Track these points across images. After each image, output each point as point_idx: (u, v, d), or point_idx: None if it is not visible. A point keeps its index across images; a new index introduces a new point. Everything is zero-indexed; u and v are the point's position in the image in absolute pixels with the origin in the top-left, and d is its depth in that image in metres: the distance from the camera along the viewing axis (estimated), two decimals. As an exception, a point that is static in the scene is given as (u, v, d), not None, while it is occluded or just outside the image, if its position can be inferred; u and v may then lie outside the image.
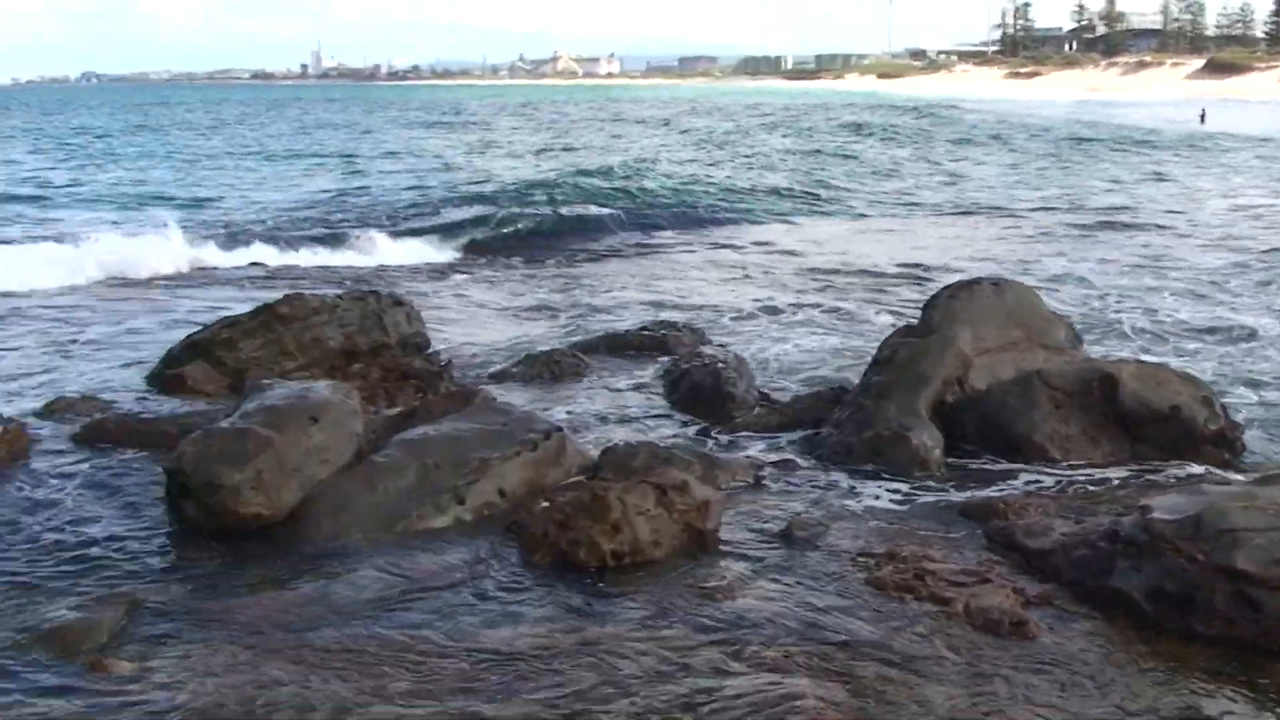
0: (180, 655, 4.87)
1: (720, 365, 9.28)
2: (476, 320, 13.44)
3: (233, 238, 19.42)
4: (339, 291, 10.92)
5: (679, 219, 23.65)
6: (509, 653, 4.90)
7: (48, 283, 15.33)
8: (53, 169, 37.87)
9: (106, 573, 5.84)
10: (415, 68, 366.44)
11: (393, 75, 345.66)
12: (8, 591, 5.58)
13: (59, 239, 18.87)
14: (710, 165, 34.90)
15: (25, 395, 9.47)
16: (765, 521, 6.49)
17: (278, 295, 10.26)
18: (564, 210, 23.24)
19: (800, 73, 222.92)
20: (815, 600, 5.44)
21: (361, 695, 4.50)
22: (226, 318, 10.00)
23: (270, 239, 19.37)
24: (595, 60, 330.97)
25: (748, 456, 7.71)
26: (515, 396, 8.89)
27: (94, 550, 6.14)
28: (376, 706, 4.42)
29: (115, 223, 22.32)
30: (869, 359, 8.56)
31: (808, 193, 28.93)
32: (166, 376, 9.52)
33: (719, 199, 26.47)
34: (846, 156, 40.29)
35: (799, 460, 7.67)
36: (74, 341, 11.95)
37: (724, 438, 8.25)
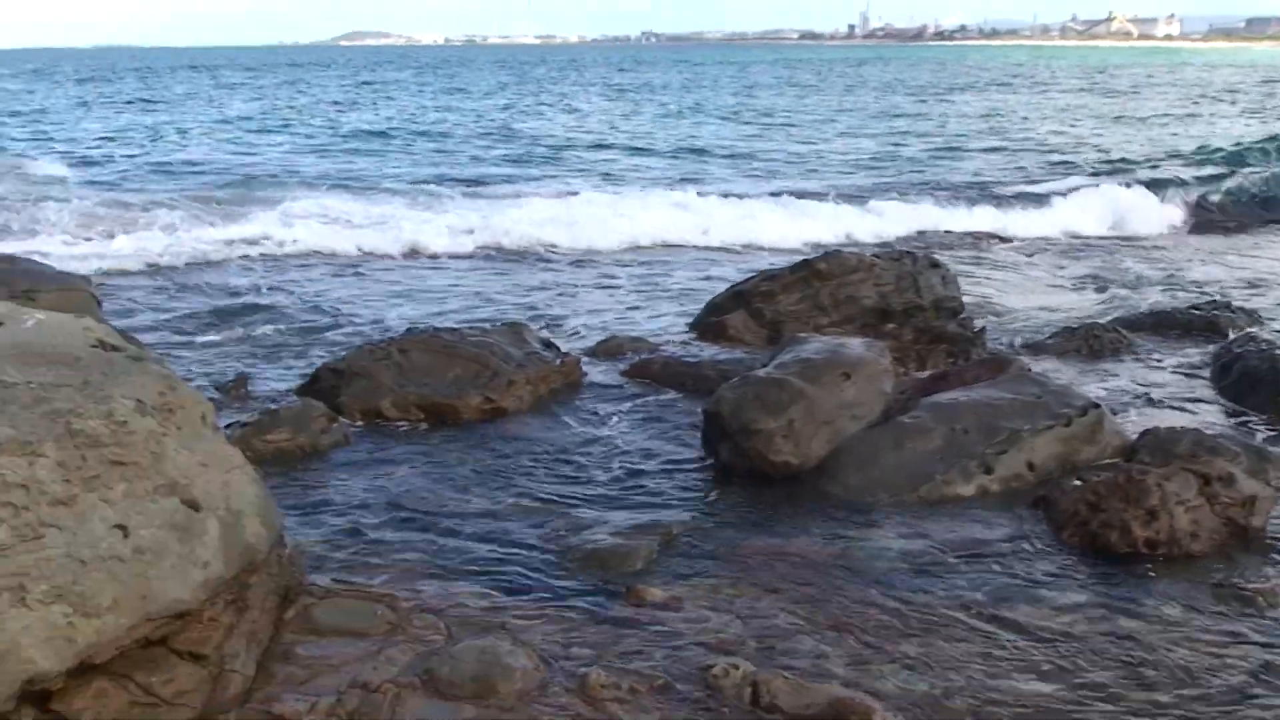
0: (708, 590, 5.10)
1: (1279, 351, 8.56)
2: (1019, 287, 13.08)
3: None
4: (877, 251, 10.96)
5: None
6: (1029, 630, 4.79)
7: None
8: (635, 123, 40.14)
9: (644, 503, 6.20)
10: (963, 27, 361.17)
11: (939, 35, 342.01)
12: (558, 511, 6.06)
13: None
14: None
15: (590, 333, 10.25)
16: (1320, 526, 5.96)
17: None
18: (1141, 182, 21.79)
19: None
20: (1379, 617, 4.95)
21: (875, 656, 4.54)
22: (767, 271, 10.33)
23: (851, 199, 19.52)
24: (1153, 21, 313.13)
25: (1304, 452, 7.09)
26: (1049, 369, 8.61)
27: (633, 481, 6.56)
28: (889, 667, 4.45)
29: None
30: None
31: None
32: (708, 323, 9.97)
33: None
34: None
35: (1364, 462, 6.96)
36: (654, 287, 12.93)
37: (1276, 430, 7.63)
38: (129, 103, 47.70)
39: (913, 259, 10.14)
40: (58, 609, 3.54)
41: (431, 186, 20.87)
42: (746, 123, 40.29)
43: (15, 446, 3.69)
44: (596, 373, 8.64)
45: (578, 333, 10.27)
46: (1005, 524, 5.93)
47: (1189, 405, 8.22)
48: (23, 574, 3.51)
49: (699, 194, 19.33)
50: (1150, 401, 8.25)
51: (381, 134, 33.15)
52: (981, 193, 21.04)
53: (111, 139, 31.22)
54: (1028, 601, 5.07)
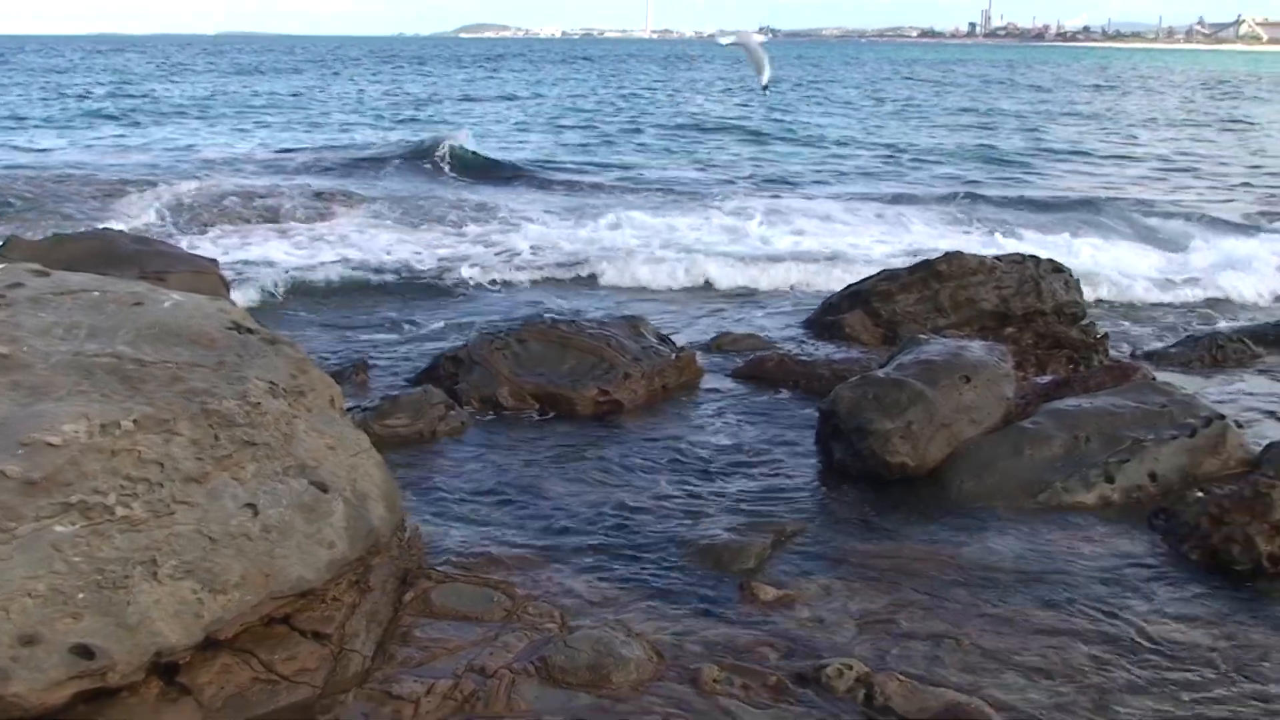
0: (820, 590, 5.07)
1: None
2: (1133, 293, 12.85)
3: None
4: (998, 254, 10.82)
5: None
6: (1147, 643, 4.70)
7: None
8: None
9: (757, 501, 6.19)
10: (1086, 29, 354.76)
11: (1061, 36, 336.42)
12: (671, 505, 6.08)
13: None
14: None
15: (699, 329, 10.23)
16: None
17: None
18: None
19: None
20: None
21: (989, 663, 4.48)
22: (886, 270, 10.25)
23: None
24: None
25: None
26: (1171, 378, 8.42)
27: (746, 478, 6.55)
28: (1004, 676, 4.39)
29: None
30: None
31: None
32: (824, 322, 9.93)
33: None
34: None
35: None
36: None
37: None
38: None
39: (1035, 262, 9.99)
40: (187, 584, 3.64)
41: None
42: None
43: (152, 424, 3.81)
44: (711, 368, 8.65)
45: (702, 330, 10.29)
46: (1125, 535, 5.82)
47: (1318, 421, 8.00)
48: (155, 549, 3.62)
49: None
50: (1275, 416, 8.05)
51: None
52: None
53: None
54: (1146, 614, 4.97)
